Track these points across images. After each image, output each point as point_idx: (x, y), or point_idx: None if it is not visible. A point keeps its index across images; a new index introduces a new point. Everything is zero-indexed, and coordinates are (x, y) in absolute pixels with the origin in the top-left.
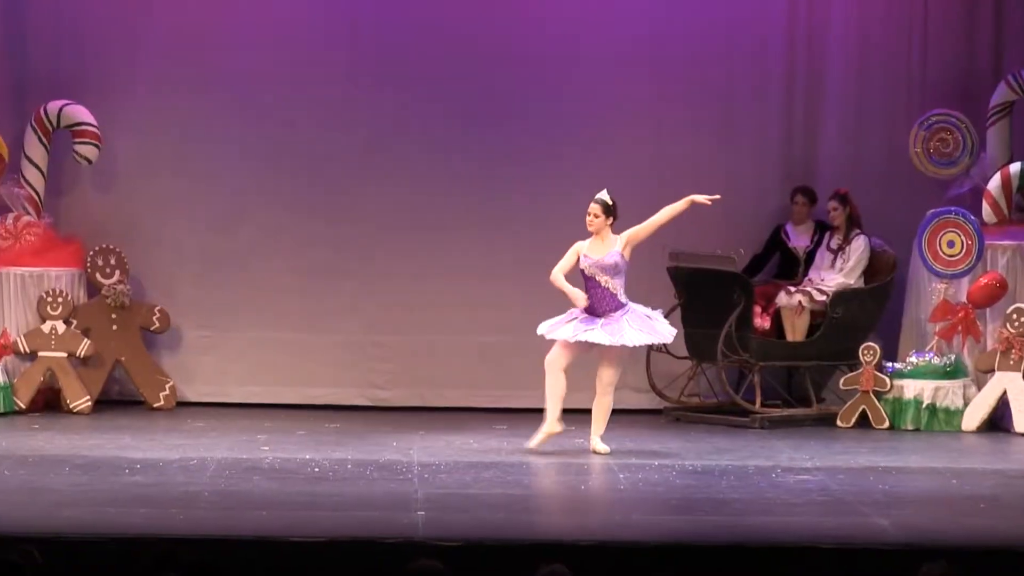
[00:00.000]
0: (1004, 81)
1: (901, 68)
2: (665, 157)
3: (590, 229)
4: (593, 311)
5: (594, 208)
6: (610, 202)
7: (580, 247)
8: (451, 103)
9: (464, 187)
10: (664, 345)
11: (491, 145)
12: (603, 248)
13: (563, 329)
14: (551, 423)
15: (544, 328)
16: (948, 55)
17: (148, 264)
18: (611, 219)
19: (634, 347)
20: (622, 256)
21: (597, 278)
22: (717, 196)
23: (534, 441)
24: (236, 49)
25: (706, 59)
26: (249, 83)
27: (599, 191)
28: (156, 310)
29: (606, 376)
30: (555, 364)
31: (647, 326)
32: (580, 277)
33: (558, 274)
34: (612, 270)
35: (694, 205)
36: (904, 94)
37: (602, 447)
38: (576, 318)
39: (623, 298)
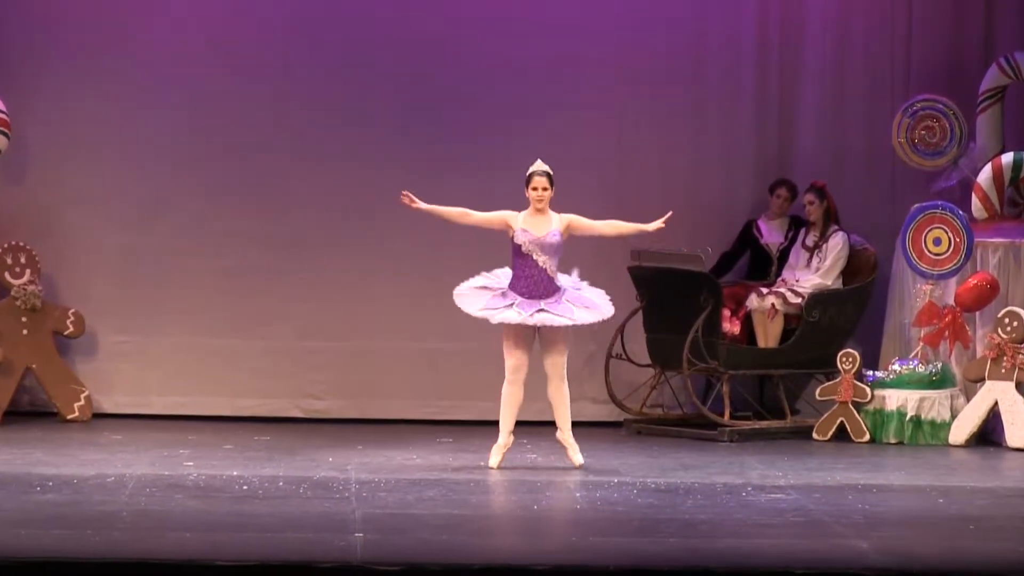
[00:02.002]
0: (995, 64)
1: (883, 50)
2: (629, 144)
3: (539, 206)
4: (526, 293)
5: (542, 181)
6: (551, 172)
7: (511, 218)
8: (393, 85)
9: (409, 176)
10: (624, 351)
11: (439, 131)
12: (543, 225)
13: (507, 314)
14: (508, 436)
15: (473, 307)
16: (935, 36)
17: (61, 263)
18: (552, 191)
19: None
20: (561, 236)
21: (535, 256)
22: (668, 216)
23: (495, 460)
24: (156, 29)
25: (674, 40)
26: (170, 66)
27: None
28: (70, 313)
29: (560, 360)
30: (523, 369)
31: (589, 303)
32: (512, 253)
33: (456, 209)
34: (552, 249)
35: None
36: (887, 78)
37: (577, 456)
38: (513, 303)
39: (559, 281)
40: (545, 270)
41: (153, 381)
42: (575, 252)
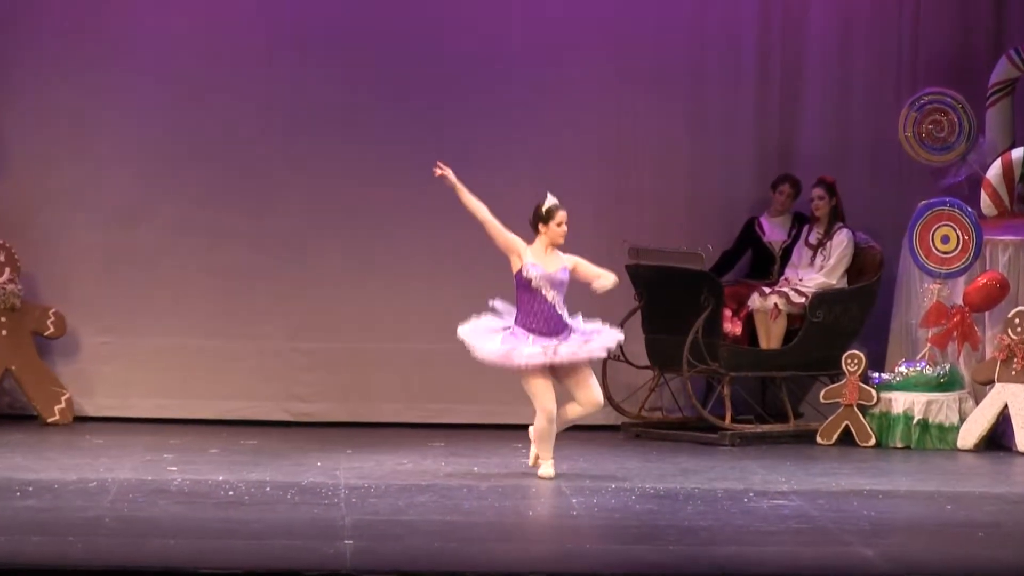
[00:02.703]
0: (1005, 56)
1: (890, 42)
2: (627, 140)
3: (561, 241)
4: (536, 329)
5: (563, 216)
6: None
7: (523, 248)
8: (387, 83)
9: (400, 175)
10: (622, 353)
11: (433, 132)
12: (553, 261)
13: (531, 351)
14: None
15: (495, 353)
16: (942, 27)
17: (42, 261)
18: None
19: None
20: (568, 274)
21: (544, 292)
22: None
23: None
24: (139, 23)
25: (673, 31)
26: (154, 61)
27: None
28: (51, 313)
29: (597, 395)
30: (554, 404)
31: (600, 332)
32: (518, 287)
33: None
34: (560, 286)
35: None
36: (893, 70)
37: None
38: (528, 342)
39: (567, 318)
40: (554, 306)
41: (136, 383)
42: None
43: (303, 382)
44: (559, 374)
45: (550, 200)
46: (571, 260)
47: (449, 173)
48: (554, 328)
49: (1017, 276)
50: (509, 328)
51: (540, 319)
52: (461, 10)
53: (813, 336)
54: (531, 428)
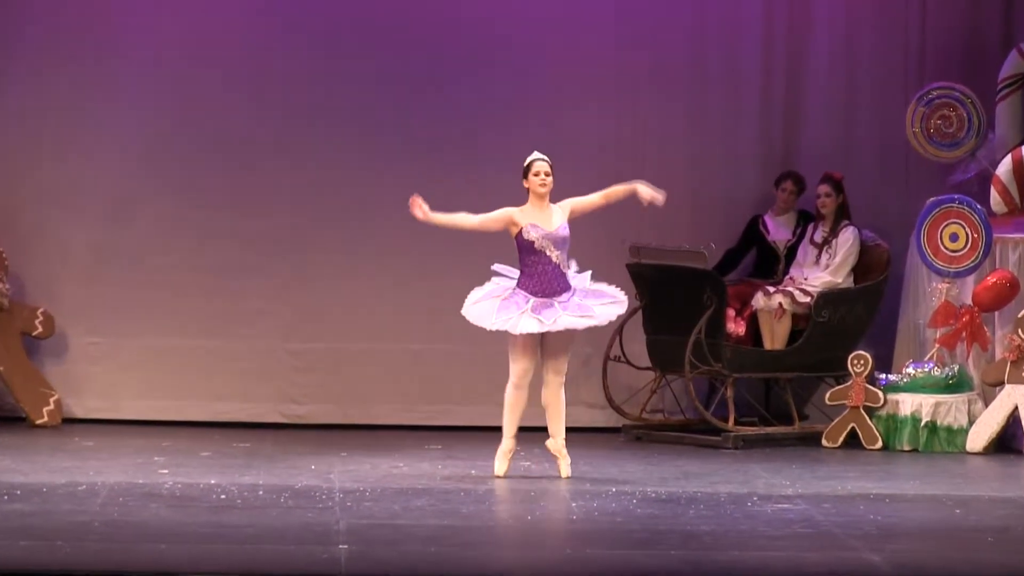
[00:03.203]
0: (1016, 50)
1: (897, 35)
2: (628, 136)
3: (542, 191)
4: (540, 291)
5: (544, 166)
6: (551, 163)
7: (515, 214)
8: (385, 80)
9: (396, 170)
10: (623, 353)
11: (429, 122)
12: (548, 218)
13: (525, 321)
14: (512, 441)
15: (488, 320)
16: (951, 20)
17: (30, 260)
18: (553, 180)
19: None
20: (568, 228)
21: (548, 252)
22: (662, 196)
23: (502, 467)
24: (128, 16)
25: (675, 25)
26: (143, 56)
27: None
28: (39, 313)
29: (565, 363)
30: (528, 378)
31: (604, 296)
32: (520, 251)
33: (460, 215)
34: (563, 243)
35: (637, 195)
36: (900, 64)
37: (567, 468)
38: (524, 309)
39: (570, 276)
40: (559, 265)
41: (126, 384)
42: (570, 250)
43: (297, 383)
44: (547, 339)
45: (532, 155)
46: (566, 210)
47: (427, 214)
48: (557, 288)
49: None
50: (510, 290)
51: (543, 280)
52: (460, 6)
53: (818, 336)
54: (547, 442)
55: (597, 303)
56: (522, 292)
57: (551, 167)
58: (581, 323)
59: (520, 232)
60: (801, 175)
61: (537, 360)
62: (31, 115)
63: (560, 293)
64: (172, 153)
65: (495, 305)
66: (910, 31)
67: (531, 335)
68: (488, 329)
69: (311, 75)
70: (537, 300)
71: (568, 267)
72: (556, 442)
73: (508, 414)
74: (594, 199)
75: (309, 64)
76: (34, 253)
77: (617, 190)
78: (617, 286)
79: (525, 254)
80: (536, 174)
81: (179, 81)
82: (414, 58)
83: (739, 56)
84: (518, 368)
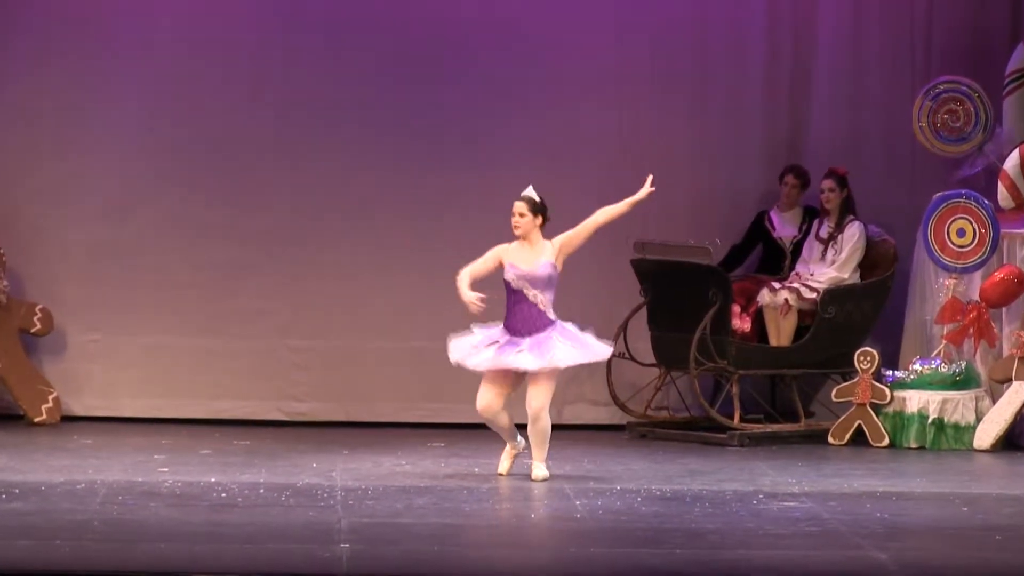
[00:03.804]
0: (1023, 43)
1: (903, 28)
2: (630, 131)
3: (516, 232)
4: (516, 331)
5: (519, 207)
6: (538, 200)
7: (503, 253)
8: (386, 75)
9: (397, 166)
10: (627, 350)
11: (430, 119)
12: (532, 256)
13: (483, 356)
14: (513, 444)
15: (458, 355)
16: (958, 13)
17: (28, 257)
18: (540, 220)
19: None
20: (554, 267)
21: (525, 292)
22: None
23: (505, 467)
24: (125, 12)
25: (678, 18)
26: (140, 52)
27: (555, 172)
28: (37, 310)
29: (536, 400)
30: (492, 410)
31: (579, 342)
32: (502, 287)
33: (465, 276)
34: (544, 283)
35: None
36: (907, 58)
37: (541, 472)
38: (496, 341)
39: (551, 315)
40: (536, 306)
41: (125, 382)
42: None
43: (298, 381)
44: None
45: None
46: (554, 247)
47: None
48: (533, 327)
49: None
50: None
51: (521, 318)
52: (463, 12)
53: (825, 333)
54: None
55: (563, 345)
56: (502, 331)
57: (532, 206)
58: (532, 364)
59: (499, 267)
60: (803, 169)
61: (501, 391)
62: (30, 113)
63: (538, 332)
64: (171, 151)
65: (474, 340)
66: (916, 24)
67: (499, 371)
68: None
69: (311, 73)
70: (506, 338)
71: (546, 308)
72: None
73: (494, 428)
74: (583, 226)
75: (309, 62)
76: (33, 251)
77: (614, 208)
78: (621, 282)
79: (507, 293)
80: (512, 215)
81: (178, 79)
82: (415, 55)
83: (744, 51)
84: (478, 404)
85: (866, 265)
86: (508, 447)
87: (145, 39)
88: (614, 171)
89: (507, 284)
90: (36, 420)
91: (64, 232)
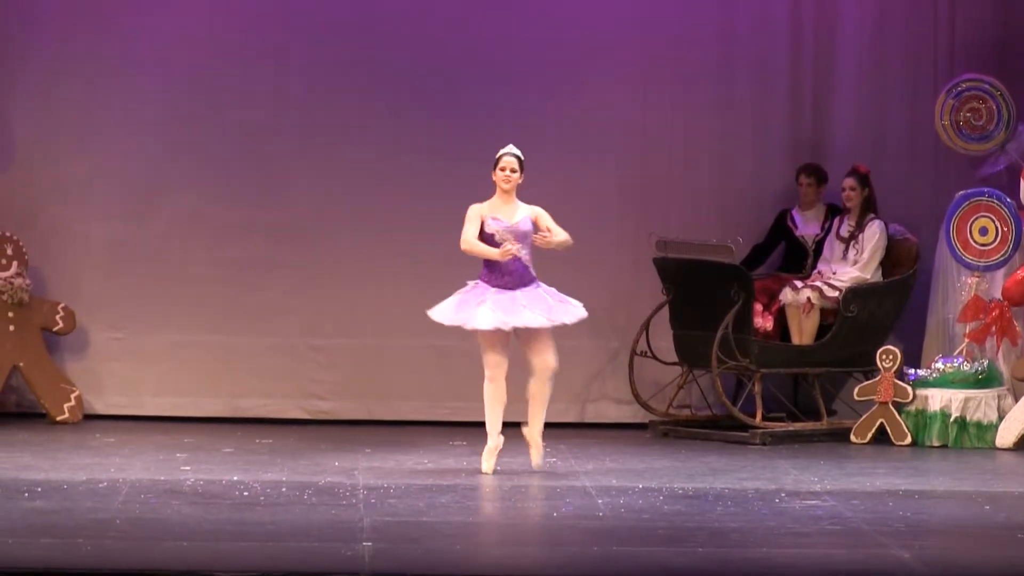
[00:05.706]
0: None
1: (926, 26)
2: (653, 127)
3: (505, 187)
4: (503, 284)
5: (511, 162)
6: (522, 157)
7: (481, 210)
8: (408, 65)
9: (423, 164)
10: (649, 348)
11: (455, 116)
12: (511, 211)
13: (482, 315)
14: (499, 437)
15: (447, 316)
16: (980, 11)
17: (50, 255)
18: (521, 177)
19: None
20: (532, 225)
21: (508, 245)
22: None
23: (488, 465)
24: (146, 7)
25: (703, 18)
26: (162, 46)
27: (578, 171)
28: (59, 308)
29: (553, 357)
30: (501, 369)
31: (566, 299)
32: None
33: (474, 240)
34: (525, 237)
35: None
36: (929, 56)
37: (539, 458)
38: (484, 301)
39: (532, 270)
40: (520, 259)
41: (148, 380)
42: (596, 245)
43: (320, 379)
44: (518, 333)
45: (504, 149)
46: (532, 210)
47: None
48: (519, 281)
49: None
50: (474, 284)
51: (504, 273)
52: (487, 5)
53: (847, 331)
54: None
55: (556, 303)
56: (482, 284)
57: (520, 164)
58: (536, 321)
59: (482, 224)
60: (816, 166)
61: (509, 352)
62: (53, 113)
63: (523, 285)
64: (193, 147)
65: (455, 301)
66: (939, 22)
67: (499, 338)
68: (446, 325)
69: (336, 69)
70: (495, 293)
71: (529, 263)
72: (531, 430)
73: (488, 410)
74: (556, 233)
75: (334, 57)
76: (55, 248)
77: (566, 244)
78: (643, 280)
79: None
80: (503, 169)
81: (199, 75)
82: (442, 53)
83: (767, 49)
84: (488, 361)
85: (888, 263)
86: (491, 443)
87: (166, 36)
88: (639, 169)
89: (489, 237)
90: (58, 419)
91: (86, 230)
